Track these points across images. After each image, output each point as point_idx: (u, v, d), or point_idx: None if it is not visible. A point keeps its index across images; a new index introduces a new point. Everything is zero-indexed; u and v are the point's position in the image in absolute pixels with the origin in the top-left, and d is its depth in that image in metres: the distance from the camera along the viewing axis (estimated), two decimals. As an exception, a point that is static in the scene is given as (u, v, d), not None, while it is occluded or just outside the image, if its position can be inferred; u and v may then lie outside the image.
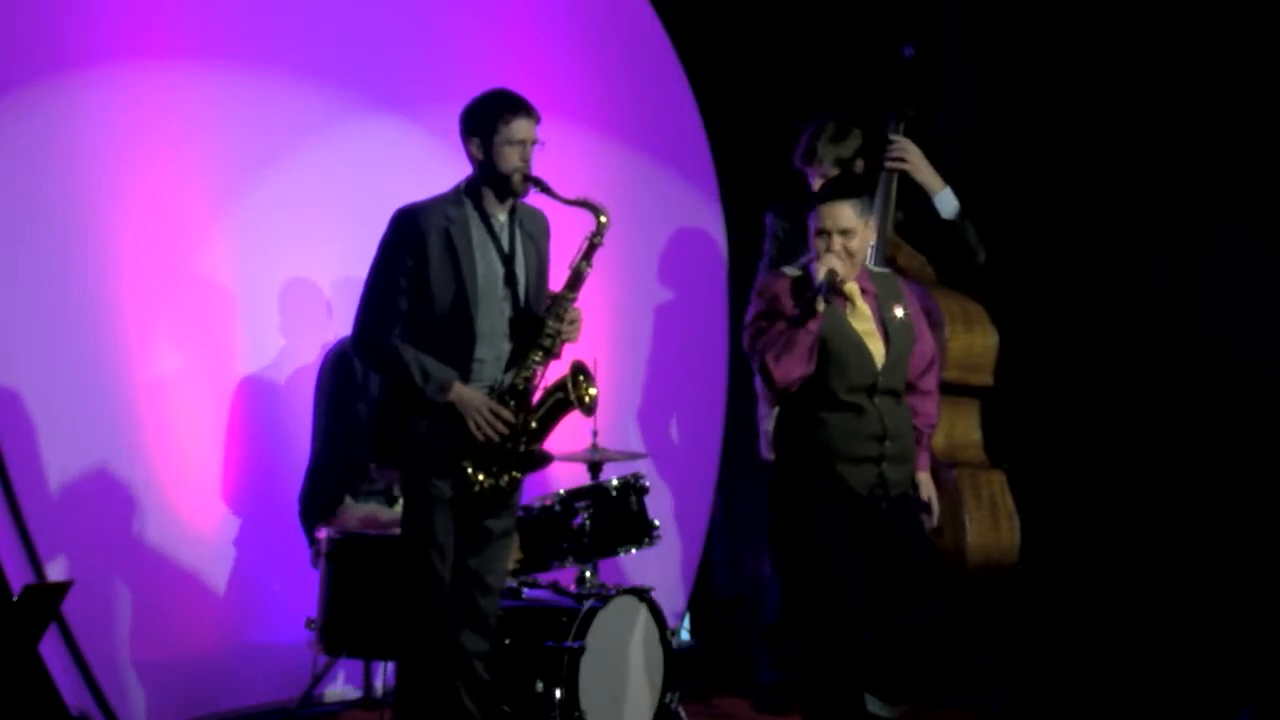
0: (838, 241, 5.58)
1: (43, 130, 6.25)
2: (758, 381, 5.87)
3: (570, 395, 5.55)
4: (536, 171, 5.49)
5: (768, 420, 5.96)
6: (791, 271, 5.70)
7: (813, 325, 5.52)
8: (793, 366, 5.54)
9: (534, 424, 5.54)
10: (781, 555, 5.92)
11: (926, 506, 5.79)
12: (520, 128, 5.46)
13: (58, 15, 6.28)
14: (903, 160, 6.37)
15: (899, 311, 5.72)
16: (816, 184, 6.57)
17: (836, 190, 5.69)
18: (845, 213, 5.60)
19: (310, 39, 6.88)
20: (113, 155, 6.39)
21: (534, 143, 5.48)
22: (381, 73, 7.03)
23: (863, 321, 5.67)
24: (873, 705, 5.67)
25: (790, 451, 5.67)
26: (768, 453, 5.92)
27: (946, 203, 6.40)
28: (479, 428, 5.42)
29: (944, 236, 6.43)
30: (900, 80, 6.49)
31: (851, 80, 7.27)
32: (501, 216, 5.54)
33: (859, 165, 6.58)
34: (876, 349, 5.65)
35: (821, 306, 5.52)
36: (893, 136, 6.40)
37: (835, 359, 5.60)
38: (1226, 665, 6.48)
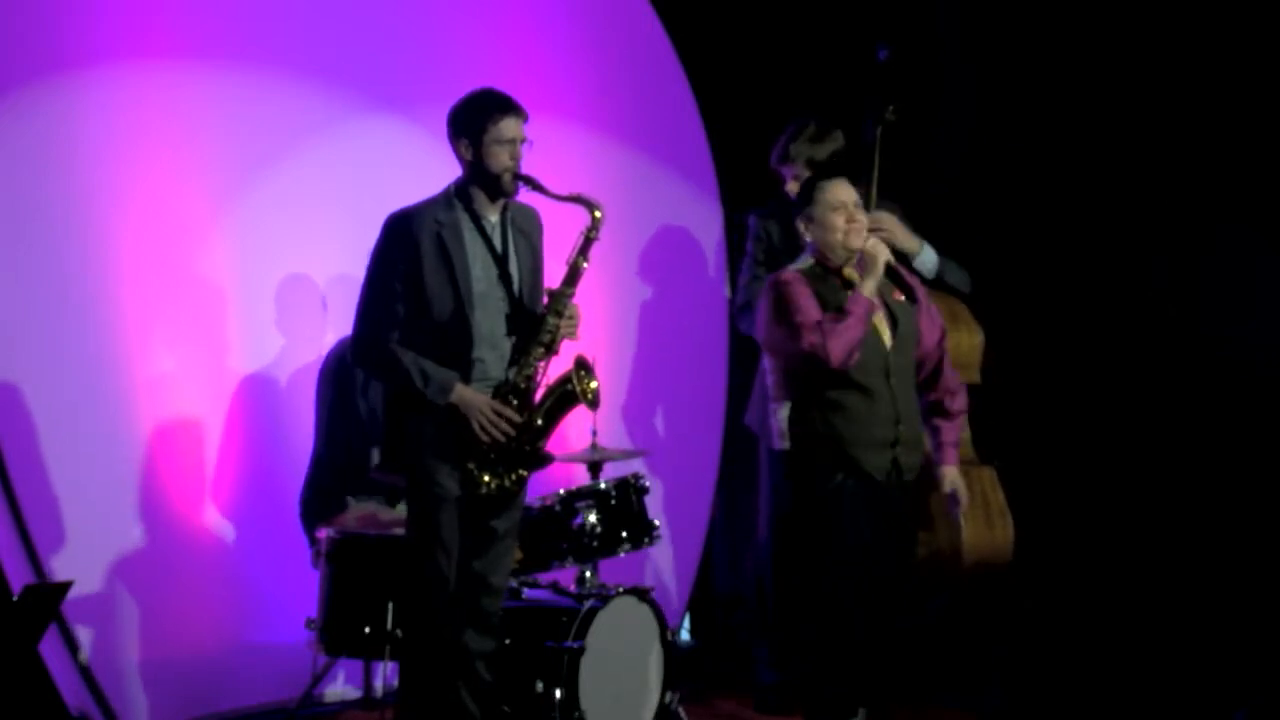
0: (858, 215, 5.66)
1: (43, 130, 6.25)
2: (767, 376, 5.84)
3: (576, 388, 5.53)
4: (533, 170, 5.48)
5: (779, 413, 5.91)
6: (799, 267, 5.72)
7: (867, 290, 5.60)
8: (851, 333, 5.52)
9: (539, 421, 5.52)
10: (784, 544, 5.89)
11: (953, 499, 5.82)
12: (509, 126, 5.43)
13: (58, 15, 6.29)
14: (881, 230, 6.34)
15: (899, 296, 5.74)
16: (791, 185, 6.60)
17: (833, 171, 5.88)
18: (849, 187, 5.69)
19: (310, 39, 6.88)
20: (113, 155, 6.39)
21: (523, 141, 5.46)
22: (381, 73, 7.03)
23: None
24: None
25: (807, 440, 5.65)
26: (780, 443, 5.87)
27: (926, 262, 6.46)
28: (483, 428, 5.41)
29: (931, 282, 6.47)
30: (876, 83, 6.49)
31: (850, 81, 7.28)
32: (493, 217, 5.51)
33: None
34: (883, 329, 5.68)
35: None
36: (870, 214, 6.38)
37: None
38: (1224, 665, 6.48)
